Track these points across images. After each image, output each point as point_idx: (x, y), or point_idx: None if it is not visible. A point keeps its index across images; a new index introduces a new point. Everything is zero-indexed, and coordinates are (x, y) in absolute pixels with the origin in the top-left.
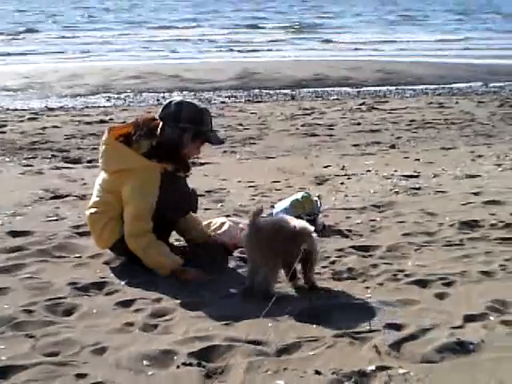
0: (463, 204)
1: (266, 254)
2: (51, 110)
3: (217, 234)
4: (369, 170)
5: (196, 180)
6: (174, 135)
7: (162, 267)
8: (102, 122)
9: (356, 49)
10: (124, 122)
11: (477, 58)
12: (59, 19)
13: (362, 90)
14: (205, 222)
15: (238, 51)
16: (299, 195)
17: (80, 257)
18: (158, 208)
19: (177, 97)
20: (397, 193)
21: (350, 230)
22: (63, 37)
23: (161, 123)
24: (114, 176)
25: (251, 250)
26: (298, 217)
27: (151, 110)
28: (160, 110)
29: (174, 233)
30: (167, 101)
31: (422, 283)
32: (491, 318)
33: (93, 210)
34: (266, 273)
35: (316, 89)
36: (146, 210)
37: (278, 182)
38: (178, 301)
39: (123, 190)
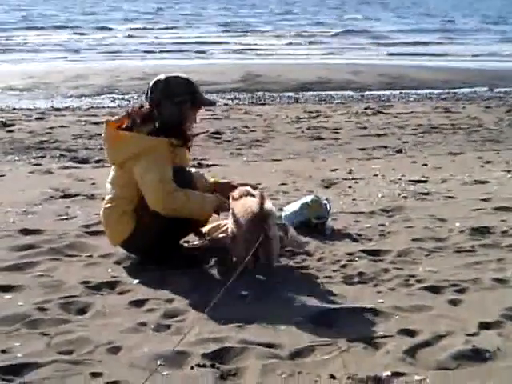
0: (473, 210)
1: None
2: (57, 110)
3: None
4: (376, 175)
5: None
6: (174, 111)
7: (207, 207)
8: None
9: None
10: None
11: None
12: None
13: (365, 93)
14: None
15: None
16: (309, 198)
17: (91, 256)
18: None
19: (157, 76)
20: (405, 197)
21: (359, 234)
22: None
23: (155, 105)
24: (124, 166)
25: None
26: (309, 220)
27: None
28: (147, 93)
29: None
30: (150, 83)
31: (435, 289)
32: (507, 325)
33: (106, 206)
34: None
35: (319, 92)
36: (167, 174)
37: (286, 184)
38: (190, 301)
39: (136, 168)
